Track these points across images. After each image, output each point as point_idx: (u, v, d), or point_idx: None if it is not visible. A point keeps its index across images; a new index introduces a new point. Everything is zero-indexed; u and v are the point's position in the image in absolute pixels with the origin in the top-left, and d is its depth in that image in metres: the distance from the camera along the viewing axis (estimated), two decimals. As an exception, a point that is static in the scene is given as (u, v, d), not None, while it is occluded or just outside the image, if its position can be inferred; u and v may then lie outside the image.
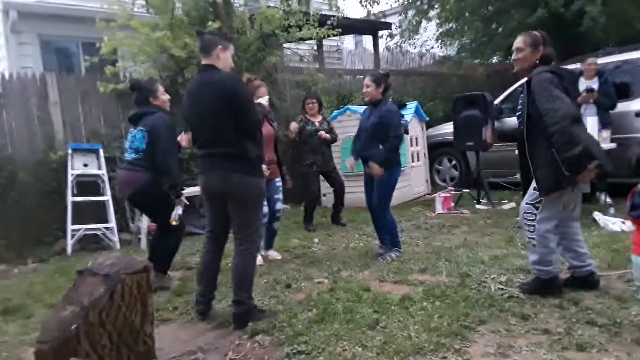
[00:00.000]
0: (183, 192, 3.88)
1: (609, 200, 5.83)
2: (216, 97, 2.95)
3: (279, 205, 4.67)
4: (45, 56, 8.75)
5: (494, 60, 11.89)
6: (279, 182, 4.67)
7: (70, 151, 5.81)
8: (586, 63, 5.98)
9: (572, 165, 2.84)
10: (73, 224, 5.62)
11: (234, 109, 2.94)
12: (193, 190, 6.21)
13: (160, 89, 4.04)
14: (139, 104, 4.02)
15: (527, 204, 3.17)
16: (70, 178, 5.70)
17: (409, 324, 2.84)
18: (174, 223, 3.81)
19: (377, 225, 4.51)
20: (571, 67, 5.76)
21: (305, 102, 6.05)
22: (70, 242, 5.57)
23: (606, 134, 5.71)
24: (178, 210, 3.82)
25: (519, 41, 3.16)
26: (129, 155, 3.94)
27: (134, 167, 3.86)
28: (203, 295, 3.26)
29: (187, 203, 3.95)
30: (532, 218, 3.13)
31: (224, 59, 3.08)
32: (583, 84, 5.84)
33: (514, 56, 3.20)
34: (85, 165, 5.90)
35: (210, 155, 3.06)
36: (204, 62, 3.09)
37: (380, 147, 4.20)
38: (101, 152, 6.00)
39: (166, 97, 4.05)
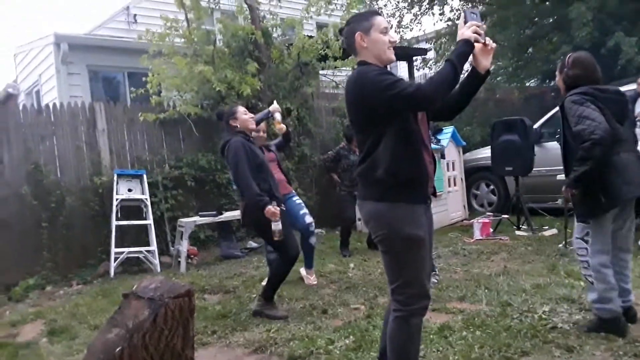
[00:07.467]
0: (268, 204, 3.62)
1: None
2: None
3: (309, 219, 4.59)
4: (93, 85, 9.22)
5: (530, 84, 11.72)
6: (296, 198, 4.70)
7: (115, 177, 6.04)
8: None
9: (572, 180, 2.89)
10: (116, 247, 5.80)
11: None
12: (232, 214, 6.35)
13: (240, 109, 3.91)
14: (225, 131, 3.98)
15: (576, 238, 3.08)
16: (115, 202, 5.91)
17: (448, 353, 2.79)
18: (275, 238, 3.65)
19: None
20: (624, 88, 5.41)
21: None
22: (113, 264, 5.74)
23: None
24: (275, 226, 3.62)
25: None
26: None
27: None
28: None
29: (277, 214, 3.62)
30: (584, 253, 3.01)
31: (371, 44, 2.16)
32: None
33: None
34: (130, 190, 6.10)
35: None
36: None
37: None
38: (145, 177, 6.21)
39: (247, 115, 3.88)
